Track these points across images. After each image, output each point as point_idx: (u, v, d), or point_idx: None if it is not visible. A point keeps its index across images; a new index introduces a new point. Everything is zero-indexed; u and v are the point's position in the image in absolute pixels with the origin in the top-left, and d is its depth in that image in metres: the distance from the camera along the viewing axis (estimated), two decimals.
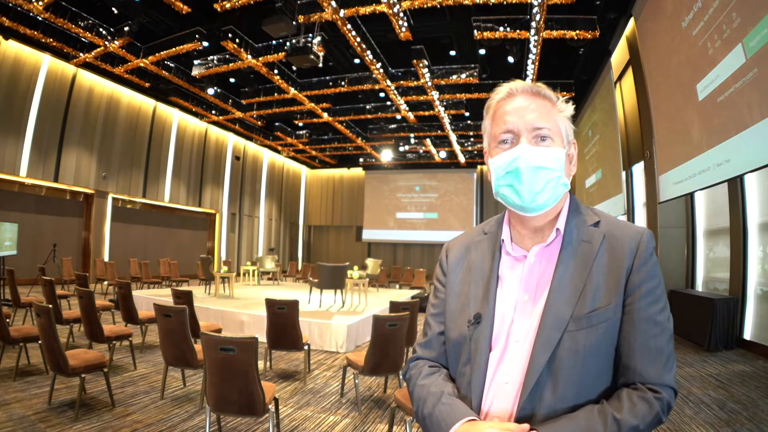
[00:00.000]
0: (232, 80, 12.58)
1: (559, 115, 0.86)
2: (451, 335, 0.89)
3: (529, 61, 9.66)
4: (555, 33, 8.56)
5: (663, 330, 0.77)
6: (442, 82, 11.17)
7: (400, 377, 3.62)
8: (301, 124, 15.77)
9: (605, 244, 0.82)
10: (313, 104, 12.99)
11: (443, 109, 12.79)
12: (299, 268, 17.61)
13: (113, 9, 8.88)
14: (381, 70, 10.57)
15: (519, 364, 0.79)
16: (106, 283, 10.15)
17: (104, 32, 9.44)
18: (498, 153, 0.85)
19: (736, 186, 5.78)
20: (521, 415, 0.76)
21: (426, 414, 0.82)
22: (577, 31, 8.50)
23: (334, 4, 8.07)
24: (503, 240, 0.89)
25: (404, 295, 10.05)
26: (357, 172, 21.17)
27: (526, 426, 0.73)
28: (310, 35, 9.12)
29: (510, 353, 0.81)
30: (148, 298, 7.23)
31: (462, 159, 18.09)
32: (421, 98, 12.14)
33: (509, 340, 0.82)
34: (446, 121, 13.72)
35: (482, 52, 10.14)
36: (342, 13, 8.29)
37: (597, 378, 0.77)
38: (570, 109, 0.88)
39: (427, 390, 0.85)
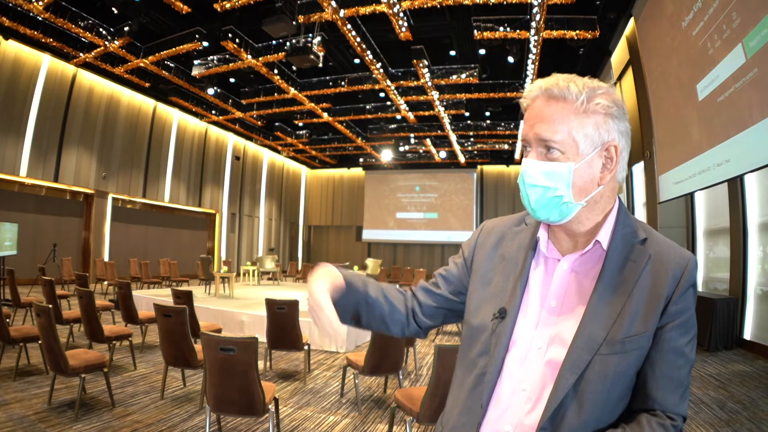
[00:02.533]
0: (232, 80, 12.58)
1: (580, 117, 0.76)
2: (472, 321, 0.88)
3: (529, 61, 9.66)
4: (555, 33, 8.55)
5: (687, 362, 0.76)
6: (442, 82, 11.17)
7: (400, 377, 3.62)
8: (301, 124, 15.77)
9: (649, 267, 0.77)
10: (313, 104, 12.99)
11: (443, 109, 12.79)
12: (299, 268, 17.61)
13: (113, 9, 8.88)
14: (381, 70, 10.56)
15: (539, 372, 0.77)
16: (106, 283, 10.15)
17: (104, 32, 9.44)
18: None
19: (736, 186, 5.78)
20: None
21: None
22: (577, 31, 8.50)
23: (334, 4, 8.06)
24: (539, 238, 0.86)
25: None
26: (357, 172, 21.17)
27: None
28: (310, 35, 9.12)
29: (531, 359, 0.78)
30: (148, 298, 7.22)
31: (462, 159, 18.09)
32: (421, 98, 12.14)
33: (532, 345, 0.79)
34: (446, 121, 13.72)
35: (482, 52, 10.14)
36: (342, 13, 8.29)
37: (619, 403, 0.75)
38: (605, 101, 0.77)
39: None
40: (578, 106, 0.76)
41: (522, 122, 0.83)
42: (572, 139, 0.76)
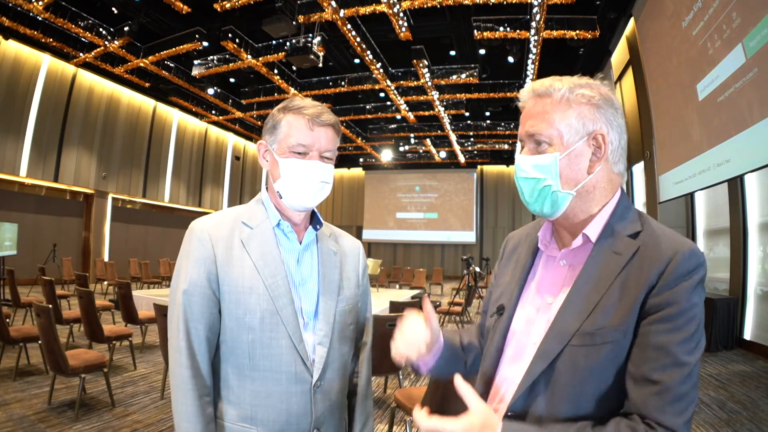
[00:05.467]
0: (232, 80, 12.58)
1: (562, 108, 0.78)
2: (485, 322, 0.94)
3: (529, 61, 9.66)
4: (555, 33, 8.55)
5: (675, 364, 0.66)
6: (442, 82, 11.17)
7: (400, 377, 3.62)
8: None
9: (636, 259, 0.73)
10: None
11: (443, 109, 12.79)
12: None
13: (113, 9, 8.88)
14: (381, 70, 10.56)
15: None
16: (106, 283, 10.14)
17: (104, 32, 9.44)
18: None
19: (736, 186, 5.78)
20: (507, 416, 0.75)
21: None
22: (577, 31, 8.50)
23: (334, 4, 8.06)
24: (539, 236, 0.87)
25: (404, 295, 10.04)
26: (357, 172, 21.17)
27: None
28: (310, 35, 9.12)
29: (527, 355, 0.78)
30: (148, 298, 7.21)
31: (462, 159, 18.09)
32: (421, 98, 12.14)
33: (528, 342, 0.80)
34: (446, 121, 13.72)
35: (482, 52, 10.15)
36: (342, 13, 8.29)
37: (599, 400, 0.71)
38: (588, 92, 0.78)
39: None
40: (559, 98, 0.78)
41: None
42: (556, 131, 0.78)
